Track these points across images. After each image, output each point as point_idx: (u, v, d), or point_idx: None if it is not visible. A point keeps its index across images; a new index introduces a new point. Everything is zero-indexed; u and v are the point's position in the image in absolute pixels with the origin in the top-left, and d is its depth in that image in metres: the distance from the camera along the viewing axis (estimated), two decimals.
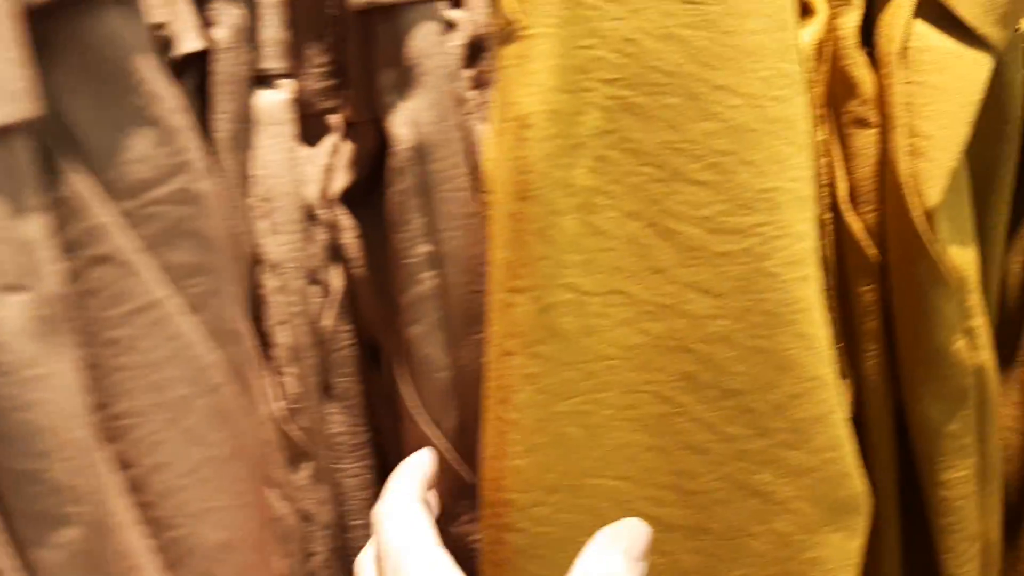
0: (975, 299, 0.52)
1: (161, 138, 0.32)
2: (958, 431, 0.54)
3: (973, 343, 0.52)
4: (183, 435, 0.34)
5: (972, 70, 0.51)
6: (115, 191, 0.32)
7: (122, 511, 0.34)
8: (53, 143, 0.32)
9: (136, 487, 0.36)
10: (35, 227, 0.29)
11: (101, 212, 0.32)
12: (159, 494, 0.36)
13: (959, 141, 0.50)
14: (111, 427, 0.33)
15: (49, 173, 0.32)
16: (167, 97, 0.32)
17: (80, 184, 0.31)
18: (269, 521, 0.45)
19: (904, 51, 0.51)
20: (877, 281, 0.54)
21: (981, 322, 0.53)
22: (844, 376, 0.56)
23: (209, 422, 0.36)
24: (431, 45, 0.43)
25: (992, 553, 0.59)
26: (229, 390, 0.38)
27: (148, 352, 0.33)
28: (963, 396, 0.54)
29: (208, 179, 0.34)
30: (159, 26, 0.39)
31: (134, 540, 0.35)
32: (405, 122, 0.43)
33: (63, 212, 0.31)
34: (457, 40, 0.47)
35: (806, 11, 0.53)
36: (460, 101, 0.44)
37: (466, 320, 0.46)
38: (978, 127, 0.54)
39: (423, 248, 0.46)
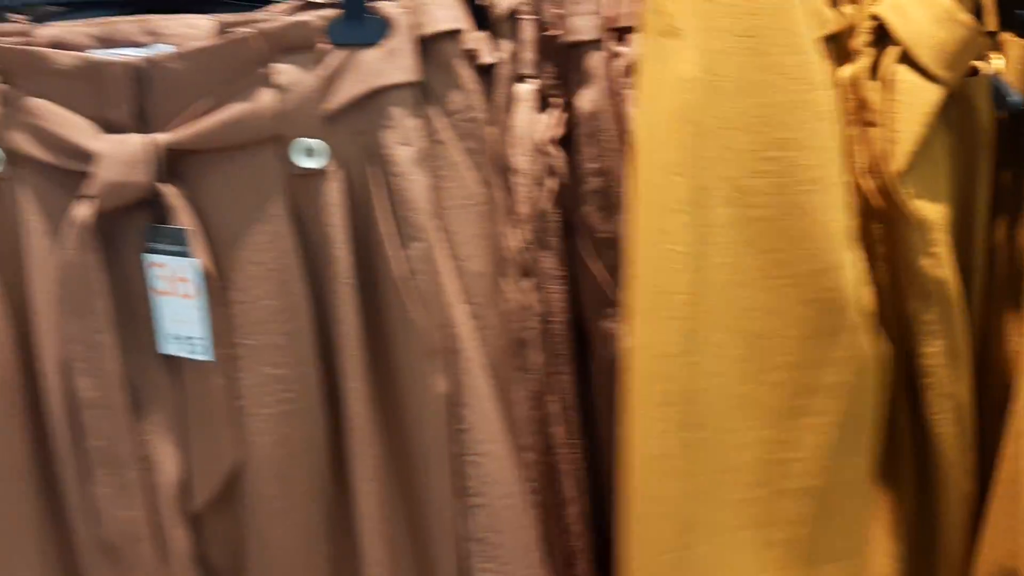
0: (937, 235, 0.70)
1: (463, 94, 0.69)
2: (930, 320, 0.72)
3: (935, 262, 0.71)
4: (465, 217, 0.73)
5: (927, 95, 0.71)
6: (445, 113, 0.69)
7: None
8: (424, 93, 0.70)
9: None
10: (413, 121, 0.70)
11: (439, 121, 0.69)
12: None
13: (917, 133, 0.69)
14: None
15: (422, 102, 0.69)
16: (468, 77, 0.71)
17: (432, 109, 0.68)
18: None
19: (890, 82, 0.71)
20: (882, 220, 0.73)
21: (942, 250, 0.70)
22: (866, 285, 0.74)
23: (475, 219, 0.73)
24: (598, 63, 0.76)
25: (964, 413, 0.74)
26: (485, 202, 0.73)
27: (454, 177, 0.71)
28: (930, 296, 0.71)
29: (481, 111, 0.70)
30: (474, 50, 0.75)
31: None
32: (583, 101, 0.78)
33: (424, 119, 0.69)
34: (622, 61, 0.79)
35: (847, 57, 0.75)
36: (615, 92, 0.77)
37: (615, 206, 0.78)
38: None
39: (591, 165, 0.78)
